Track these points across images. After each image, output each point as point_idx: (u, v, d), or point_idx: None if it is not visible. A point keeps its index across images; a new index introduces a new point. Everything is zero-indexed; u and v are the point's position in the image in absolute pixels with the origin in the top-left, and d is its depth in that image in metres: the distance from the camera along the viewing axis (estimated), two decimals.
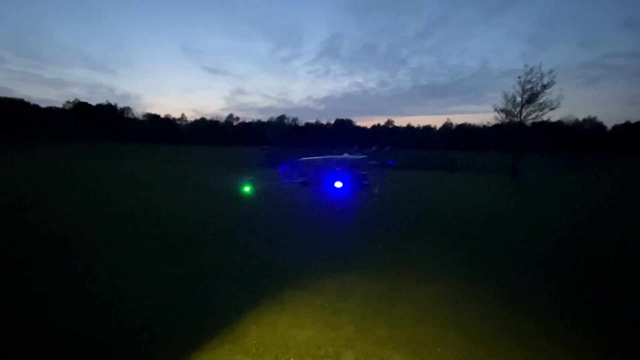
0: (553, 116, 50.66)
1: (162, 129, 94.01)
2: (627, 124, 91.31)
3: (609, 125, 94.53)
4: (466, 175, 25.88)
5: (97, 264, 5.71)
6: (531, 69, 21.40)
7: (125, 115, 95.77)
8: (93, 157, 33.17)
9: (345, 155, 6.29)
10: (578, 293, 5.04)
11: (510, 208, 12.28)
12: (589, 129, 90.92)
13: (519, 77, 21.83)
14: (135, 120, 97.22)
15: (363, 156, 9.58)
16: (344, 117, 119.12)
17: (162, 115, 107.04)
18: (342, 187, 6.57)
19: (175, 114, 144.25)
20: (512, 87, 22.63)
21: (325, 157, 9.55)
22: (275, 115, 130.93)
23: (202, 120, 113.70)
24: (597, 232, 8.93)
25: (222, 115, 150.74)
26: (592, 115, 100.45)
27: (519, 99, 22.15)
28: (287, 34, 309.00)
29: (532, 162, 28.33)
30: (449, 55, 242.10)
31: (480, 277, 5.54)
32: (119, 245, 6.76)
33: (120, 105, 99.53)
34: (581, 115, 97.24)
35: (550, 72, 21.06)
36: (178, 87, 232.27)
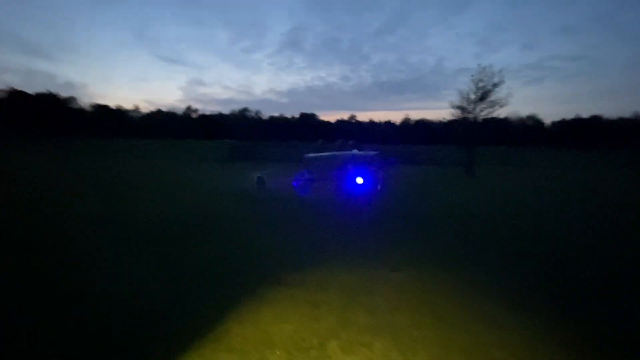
0: (501, 113, 54.53)
1: (113, 121, 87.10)
2: (562, 121, 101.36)
3: (547, 121, 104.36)
4: (428, 169, 27.31)
5: (65, 267, 5.27)
6: (483, 69, 23.04)
7: (69, 106, 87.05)
8: (35, 152, 29.98)
9: (355, 151, 6.16)
10: (531, 273, 5.61)
11: (475, 200, 13.23)
12: (530, 125, 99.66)
13: (473, 76, 23.39)
14: (81, 111, 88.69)
15: (374, 152, 9.45)
16: (307, 110, 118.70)
17: (113, 106, 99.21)
18: (361, 184, 6.56)
19: (128, 106, 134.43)
20: (466, 85, 24.23)
21: (334, 153, 9.24)
22: (236, 107, 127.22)
23: (158, 112, 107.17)
24: (548, 217, 9.95)
25: (180, 107, 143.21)
26: (534, 113, 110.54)
27: (472, 97, 23.76)
28: (249, 24, 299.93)
29: (484, 156, 30.53)
30: (408, 53, 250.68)
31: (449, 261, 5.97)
32: (75, 249, 6.28)
33: (63, 94, 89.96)
34: (524, 112, 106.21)
35: (500, 72, 22.84)
36: (130, 76, 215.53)
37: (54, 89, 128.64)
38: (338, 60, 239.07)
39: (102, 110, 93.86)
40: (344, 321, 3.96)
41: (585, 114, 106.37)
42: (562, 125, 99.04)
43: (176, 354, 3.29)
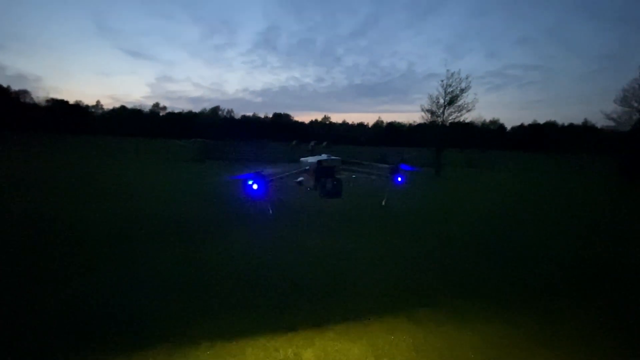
0: (467, 117, 57.01)
1: (71, 118, 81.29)
2: (521, 126, 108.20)
3: (508, 126, 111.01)
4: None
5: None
6: (452, 74, 23.97)
7: (21, 100, 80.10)
8: None
9: (323, 156, 5.60)
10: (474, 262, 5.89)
11: (443, 199, 13.70)
12: (493, 129, 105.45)
13: (442, 81, 24.28)
14: (35, 106, 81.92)
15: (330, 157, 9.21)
16: (281, 111, 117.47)
17: (71, 101, 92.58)
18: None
19: (89, 101, 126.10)
20: (435, 89, 25.20)
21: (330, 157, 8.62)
22: (208, 106, 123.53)
23: (122, 108, 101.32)
24: (508, 216, 10.50)
25: (147, 104, 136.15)
26: (496, 117, 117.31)
27: (441, 101, 24.69)
28: (221, 20, 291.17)
29: (451, 158, 31.83)
30: (380, 57, 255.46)
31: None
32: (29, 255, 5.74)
33: (14, 87, 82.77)
34: (488, 117, 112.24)
35: (467, 77, 23.87)
36: (91, 70, 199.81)
37: (3, 82, 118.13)
38: (312, 61, 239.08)
39: (58, 105, 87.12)
40: None
41: (541, 119, 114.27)
42: (521, 130, 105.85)
43: None
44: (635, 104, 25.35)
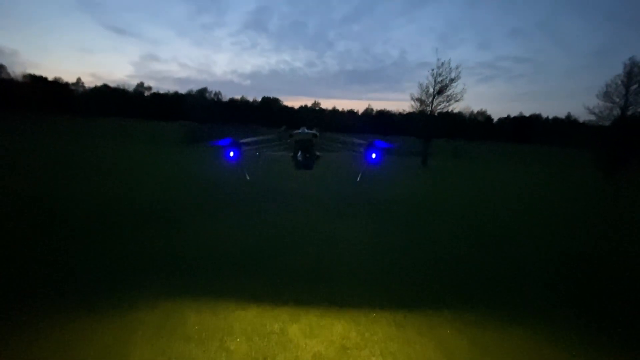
0: (456, 107, 57.25)
1: (50, 95, 77.63)
2: (508, 118, 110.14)
3: (495, 117, 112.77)
4: (390, 158, 28.29)
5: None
6: (442, 64, 24.02)
7: None
8: None
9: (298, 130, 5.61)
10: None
11: (426, 189, 13.98)
12: (480, 120, 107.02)
13: (432, 70, 24.32)
14: (11, 81, 77.81)
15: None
16: (270, 95, 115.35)
17: (50, 78, 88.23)
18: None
19: (69, 78, 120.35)
20: (425, 78, 25.24)
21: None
22: (195, 87, 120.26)
23: (105, 87, 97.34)
24: (490, 207, 10.86)
25: (131, 84, 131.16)
26: (484, 109, 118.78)
27: (431, 90, 24.79)
28: None
29: (439, 148, 32.29)
30: (372, 43, 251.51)
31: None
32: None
33: None
34: (476, 108, 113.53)
35: (457, 67, 23.98)
36: (72, 46, 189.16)
37: None
38: (303, 45, 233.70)
39: (37, 81, 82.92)
40: None
41: (528, 112, 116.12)
42: (507, 122, 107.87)
43: (125, 346, 3.16)
44: (617, 99, 25.99)
